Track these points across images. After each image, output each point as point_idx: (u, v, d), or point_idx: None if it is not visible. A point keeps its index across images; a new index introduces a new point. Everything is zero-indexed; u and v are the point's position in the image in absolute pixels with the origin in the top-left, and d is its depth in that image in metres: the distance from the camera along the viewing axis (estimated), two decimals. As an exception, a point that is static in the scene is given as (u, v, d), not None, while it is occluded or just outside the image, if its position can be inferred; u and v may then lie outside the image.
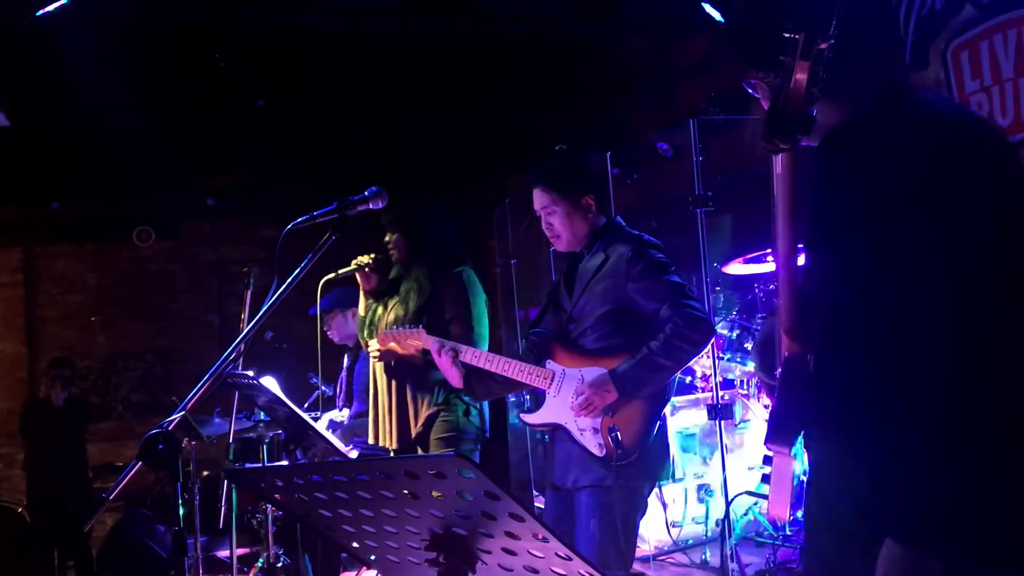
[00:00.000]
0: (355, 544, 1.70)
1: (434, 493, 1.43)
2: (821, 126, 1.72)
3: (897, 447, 1.56)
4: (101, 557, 5.69)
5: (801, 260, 1.81)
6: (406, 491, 1.44)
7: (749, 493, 4.07)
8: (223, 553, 5.17)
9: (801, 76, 1.57)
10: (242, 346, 2.36)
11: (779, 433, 1.81)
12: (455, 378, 3.13)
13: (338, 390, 5.05)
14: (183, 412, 2.13)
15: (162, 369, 8.81)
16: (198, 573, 4.94)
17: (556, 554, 1.44)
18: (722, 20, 4.74)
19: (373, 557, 1.74)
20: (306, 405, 5.86)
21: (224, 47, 5.29)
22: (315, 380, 6.07)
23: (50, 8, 4.09)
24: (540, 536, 1.40)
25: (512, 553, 1.50)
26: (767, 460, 1.96)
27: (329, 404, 5.22)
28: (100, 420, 8.43)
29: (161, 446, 1.94)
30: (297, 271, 2.34)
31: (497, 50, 5.68)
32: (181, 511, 2.19)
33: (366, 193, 2.48)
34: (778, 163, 1.72)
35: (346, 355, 5.05)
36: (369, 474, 1.45)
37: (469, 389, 3.17)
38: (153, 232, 8.68)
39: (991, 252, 1.49)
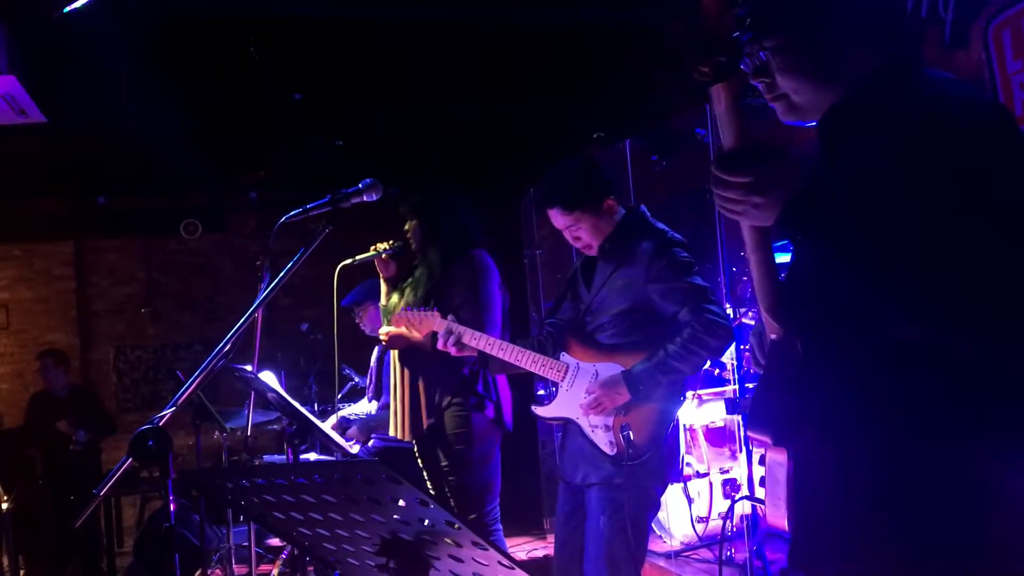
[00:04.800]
0: (312, 547, 1.68)
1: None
2: (812, 105, 1.61)
3: (879, 453, 1.46)
4: (139, 543, 5.84)
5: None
6: (344, 496, 1.41)
7: (749, 498, 3.95)
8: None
9: None
10: (241, 337, 2.38)
11: (760, 420, 1.70)
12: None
13: (369, 382, 5.06)
14: (174, 408, 2.14)
15: (211, 359, 8.98)
16: (230, 562, 5.04)
17: (498, 562, 1.39)
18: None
19: (334, 559, 1.71)
20: (340, 396, 5.91)
21: (258, 40, 5.31)
22: (348, 371, 6.12)
23: (76, 4, 4.13)
24: (477, 543, 1.36)
25: (459, 560, 1.46)
26: (762, 460, 1.84)
27: (362, 395, 5.24)
28: (150, 409, 8.64)
29: (151, 442, 1.93)
30: (290, 265, 2.35)
31: (527, 36, 5.60)
32: (171, 508, 2.19)
33: (359, 185, 2.46)
34: (717, 99, 1.52)
35: (377, 347, 5.05)
36: (307, 478, 1.42)
37: (484, 362, 3.15)
38: (200, 225, 8.82)
39: (997, 242, 1.34)
